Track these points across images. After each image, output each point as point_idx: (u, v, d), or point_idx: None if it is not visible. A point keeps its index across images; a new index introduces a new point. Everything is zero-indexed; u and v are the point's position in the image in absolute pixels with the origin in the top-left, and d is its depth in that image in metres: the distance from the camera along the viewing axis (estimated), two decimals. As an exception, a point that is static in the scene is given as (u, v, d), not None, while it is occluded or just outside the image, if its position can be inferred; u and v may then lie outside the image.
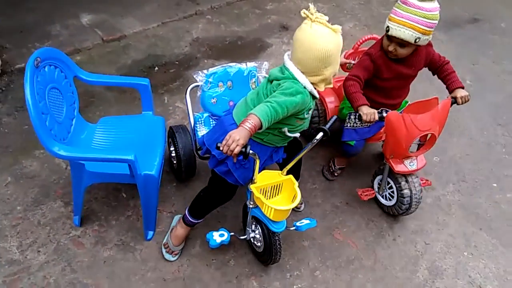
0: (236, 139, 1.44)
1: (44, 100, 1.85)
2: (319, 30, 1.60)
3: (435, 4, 1.92)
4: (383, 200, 2.41)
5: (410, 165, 2.20)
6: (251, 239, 2.10)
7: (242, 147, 1.46)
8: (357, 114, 2.03)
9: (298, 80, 1.66)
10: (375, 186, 2.43)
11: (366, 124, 2.19)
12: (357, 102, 2.03)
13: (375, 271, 2.21)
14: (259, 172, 1.80)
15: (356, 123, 2.29)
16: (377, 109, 2.04)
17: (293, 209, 2.30)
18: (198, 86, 2.20)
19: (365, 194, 2.39)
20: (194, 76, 2.16)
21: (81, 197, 2.10)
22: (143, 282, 2.03)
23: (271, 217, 1.80)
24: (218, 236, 1.98)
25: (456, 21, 4.38)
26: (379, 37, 2.43)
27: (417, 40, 1.95)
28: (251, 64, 2.26)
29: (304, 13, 1.63)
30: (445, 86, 2.22)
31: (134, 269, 2.07)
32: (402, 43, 1.99)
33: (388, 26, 1.99)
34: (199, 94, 2.20)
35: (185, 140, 2.26)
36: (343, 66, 2.44)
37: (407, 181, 2.24)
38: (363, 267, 2.23)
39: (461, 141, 3.02)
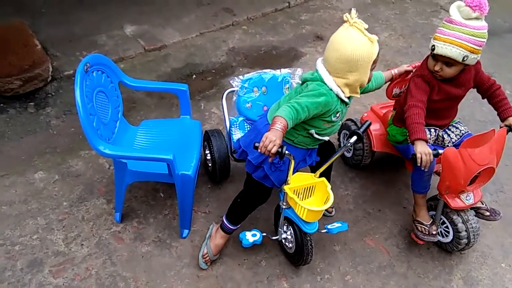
0: (272, 140, 1.50)
1: (92, 102, 1.98)
2: (353, 34, 1.65)
3: (483, 23, 1.87)
4: (438, 237, 2.25)
5: (466, 200, 2.07)
6: (283, 240, 2.14)
7: (278, 147, 1.51)
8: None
9: (325, 82, 1.70)
10: None
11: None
12: (416, 135, 1.90)
13: (407, 279, 2.19)
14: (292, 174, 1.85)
15: (431, 138, 2.22)
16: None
17: (324, 214, 2.35)
18: (234, 91, 2.29)
19: (419, 232, 2.18)
20: (231, 82, 2.25)
21: (122, 195, 2.22)
22: (178, 277, 2.11)
23: (304, 218, 1.84)
24: (251, 236, 2.04)
25: (495, 31, 4.28)
26: None
27: (465, 59, 1.87)
28: (285, 71, 2.33)
29: (346, 16, 1.67)
30: (496, 112, 2.12)
31: (170, 264, 2.16)
32: (449, 62, 1.92)
33: (433, 45, 1.93)
34: (234, 99, 2.29)
35: (220, 144, 2.35)
36: (389, 92, 2.38)
37: (459, 215, 2.11)
38: (395, 274, 2.22)
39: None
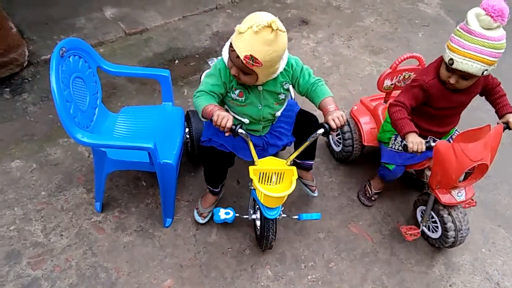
0: (224, 115, 1.60)
1: (69, 88, 1.91)
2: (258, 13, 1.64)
3: (502, 32, 1.74)
4: (427, 232, 2.26)
5: (458, 196, 2.02)
6: (254, 220, 2.15)
7: (232, 125, 1.61)
8: (402, 142, 1.91)
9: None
10: (418, 216, 2.30)
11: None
12: (404, 129, 1.87)
13: (390, 264, 2.21)
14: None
15: (402, 146, 2.06)
16: (425, 137, 1.90)
17: (307, 194, 2.32)
18: None
19: (409, 233, 2.18)
20: (209, 62, 2.21)
21: (102, 184, 2.16)
22: (161, 267, 2.08)
23: (262, 201, 1.85)
24: (224, 214, 2.05)
25: (481, 16, 4.29)
26: (419, 56, 2.29)
27: (484, 73, 1.77)
28: None
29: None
30: (494, 109, 2.03)
31: (152, 254, 2.13)
32: (466, 76, 1.80)
33: (451, 59, 1.79)
34: None
35: (199, 124, 2.30)
36: (380, 84, 2.34)
37: (450, 214, 2.07)
38: (379, 260, 2.23)
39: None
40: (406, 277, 2.17)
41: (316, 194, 2.38)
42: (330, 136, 2.68)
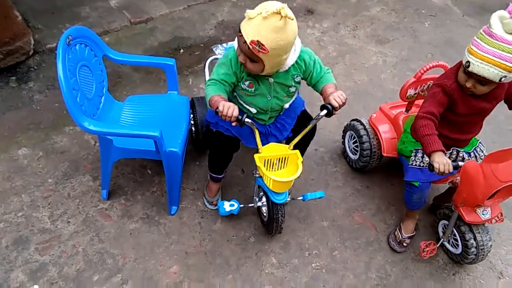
0: (230, 106, 1.63)
1: (75, 77, 1.91)
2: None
3: None
4: (449, 247, 2.19)
5: (482, 214, 1.94)
6: (259, 207, 2.17)
7: (239, 115, 1.65)
8: (424, 158, 1.86)
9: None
10: (440, 231, 2.22)
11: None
12: (430, 147, 1.76)
13: (394, 253, 2.23)
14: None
15: (424, 162, 2.04)
16: (446, 145, 1.82)
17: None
18: (217, 59, 2.24)
19: (427, 249, 2.10)
20: (213, 49, 2.20)
21: (109, 172, 2.18)
22: (166, 254, 2.11)
23: (270, 187, 1.87)
24: (229, 206, 2.07)
25: (488, 6, 4.23)
26: (446, 65, 2.18)
27: (502, 79, 1.66)
28: None
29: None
30: None
31: (158, 241, 2.15)
32: (483, 81, 1.71)
33: (468, 61, 1.70)
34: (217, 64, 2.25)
35: (204, 110, 2.32)
36: (403, 93, 2.24)
37: (471, 231, 1.99)
38: (382, 249, 2.24)
39: (488, 128, 2.96)
40: (410, 265, 2.19)
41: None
42: (347, 144, 2.58)
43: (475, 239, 2.00)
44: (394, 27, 3.82)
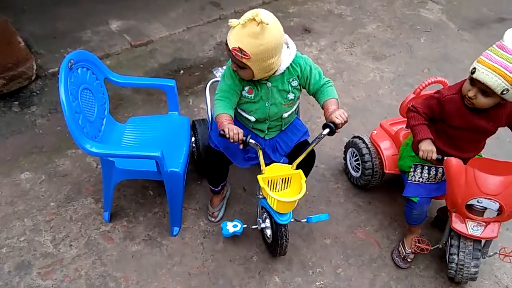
0: (233, 129, 1.70)
1: (77, 100, 1.95)
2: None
3: None
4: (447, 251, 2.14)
5: (472, 229, 1.87)
6: (263, 229, 2.17)
7: (243, 136, 1.70)
8: (423, 173, 1.86)
9: None
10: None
11: (434, 179, 2.01)
12: (418, 135, 1.81)
13: (398, 270, 2.21)
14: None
15: (423, 178, 2.04)
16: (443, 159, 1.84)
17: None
18: (217, 81, 2.28)
19: (418, 245, 2.08)
20: (214, 72, 2.24)
21: (111, 194, 2.19)
22: (169, 275, 2.10)
23: (274, 208, 1.87)
24: (232, 227, 2.07)
25: (483, 21, 4.31)
26: (444, 81, 2.21)
27: (504, 92, 1.66)
28: None
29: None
30: None
31: (160, 263, 2.14)
32: (485, 90, 1.70)
33: (474, 68, 1.71)
34: (219, 84, 2.28)
35: (205, 131, 2.35)
36: (403, 110, 2.25)
37: (458, 246, 1.95)
38: (386, 265, 2.23)
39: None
40: (415, 282, 2.16)
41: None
42: (348, 161, 2.58)
43: (457, 255, 1.96)
44: (390, 44, 3.87)
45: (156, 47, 3.62)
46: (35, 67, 3.10)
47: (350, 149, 2.56)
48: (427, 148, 1.77)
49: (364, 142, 2.43)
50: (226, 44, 1.71)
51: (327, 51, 3.71)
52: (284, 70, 1.85)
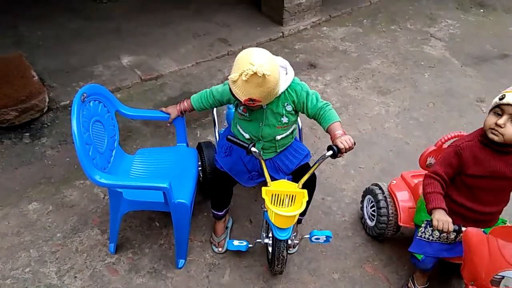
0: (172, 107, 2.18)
1: (88, 132, 1.99)
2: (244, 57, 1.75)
3: None
4: None
5: None
6: (267, 245, 2.18)
7: (248, 146, 1.81)
8: (431, 228, 1.80)
9: None
10: None
11: (446, 239, 1.86)
12: (432, 204, 1.72)
13: (408, 306, 2.15)
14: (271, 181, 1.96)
15: (433, 236, 1.91)
16: (458, 213, 1.76)
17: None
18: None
19: None
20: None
21: (117, 225, 2.19)
22: (174, 309, 2.06)
23: (273, 221, 1.89)
24: (238, 242, 2.12)
25: (486, 57, 4.39)
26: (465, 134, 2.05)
27: None
28: None
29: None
30: None
31: (165, 296, 2.11)
32: None
33: (504, 95, 1.65)
34: (225, 111, 2.40)
35: (211, 153, 2.39)
36: (422, 161, 2.21)
37: None
38: (396, 301, 2.17)
39: None
40: (426, 319, 2.10)
41: (293, 251, 2.35)
42: (365, 209, 2.50)
43: None
44: (395, 79, 3.94)
45: (165, 81, 3.71)
46: (47, 99, 3.18)
47: (367, 197, 2.50)
48: (443, 218, 1.67)
49: (382, 190, 2.36)
50: (232, 93, 1.79)
51: (332, 85, 3.78)
52: (280, 94, 1.92)
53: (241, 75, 1.67)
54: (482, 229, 1.75)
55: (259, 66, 1.66)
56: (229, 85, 1.80)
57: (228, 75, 3.67)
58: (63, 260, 2.25)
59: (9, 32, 4.11)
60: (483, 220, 1.89)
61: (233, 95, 1.79)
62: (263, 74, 1.66)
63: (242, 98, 1.75)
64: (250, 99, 1.74)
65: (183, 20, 4.58)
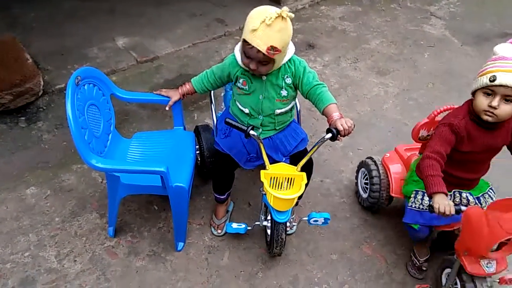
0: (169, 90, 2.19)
1: (84, 115, 1.96)
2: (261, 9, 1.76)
3: None
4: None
5: (487, 267, 1.80)
6: (265, 227, 2.20)
7: (247, 129, 1.78)
8: (423, 200, 1.87)
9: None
10: (443, 279, 2.06)
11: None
12: (432, 188, 1.72)
13: (406, 285, 2.17)
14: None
15: (423, 205, 1.99)
16: (450, 183, 1.78)
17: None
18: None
19: None
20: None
21: (116, 209, 2.18)
22: (173, 291, 2.08)
23: (271, 204, 1.89)
24: (236, 225, 2.14)
25: (486, 35, 4.34)
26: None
27: None
28: None
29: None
30: None
31: (164, 279, 2.12)
32: (508, 95, 1.65)
33: (493, 76, 1.65)
34: (222, 94, 2.40)
35: (209, 137, 2.38)
36: (415, 134, 2.19)
37: (474, 284, 1.84)
38: (394, 281, 2.19)
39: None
40: (423, 298, 2.13)
41: (291, 232, 2.35)
42: (358, 181, 2.56)
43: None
44: (394, 59, 3.90)
45: (161, 63, 3.66)
46: (42, 83, 3.14)
47: (361, 170, 2.54)
48: (444, 202, 1.68)
49: (375, 163, 2.41)
50: (250, 47, 1.74)
51: (331, 66, 3.73)
52: (280, 66, 1.91)
53: (263, 21, 1.67)
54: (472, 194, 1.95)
55: (284, 9, 1.70)
56: (240, 46, 1.82)
57: (225, 56, 3.63)
58: (62, 244, 2.25)
59: (1, 14, 4.03)
60: (467, 184, 1.99)
61: (248, 51, 1.77)
62: (287, 16, 1.69)
63: (264, 47, 1.70)
64: (272, 47, 1.70)
65: (178, 0, 4.49)
